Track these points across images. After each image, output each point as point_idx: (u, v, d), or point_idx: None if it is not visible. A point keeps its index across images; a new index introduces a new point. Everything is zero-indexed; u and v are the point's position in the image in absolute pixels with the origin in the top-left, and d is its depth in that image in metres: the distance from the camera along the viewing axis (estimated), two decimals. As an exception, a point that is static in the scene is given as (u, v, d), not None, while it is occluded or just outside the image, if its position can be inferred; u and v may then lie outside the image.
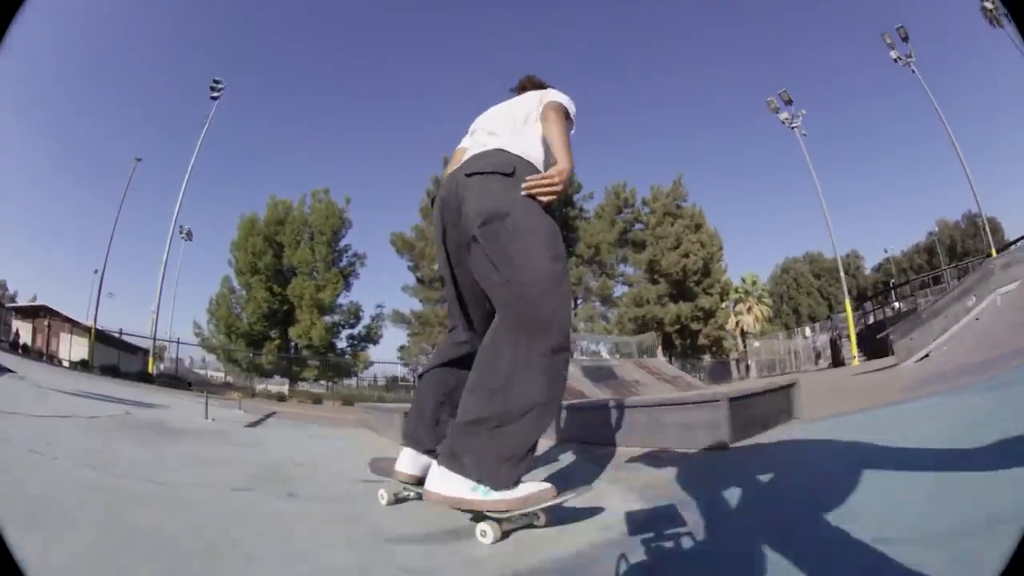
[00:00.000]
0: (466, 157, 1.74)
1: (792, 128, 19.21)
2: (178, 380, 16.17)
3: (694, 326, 21.55)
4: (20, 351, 18.61)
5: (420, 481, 1.62)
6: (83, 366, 15.52)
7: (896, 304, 19.48)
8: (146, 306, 35.19)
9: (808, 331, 27.20)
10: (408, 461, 1.74)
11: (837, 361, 17.61)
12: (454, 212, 1.63)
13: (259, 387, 18.76)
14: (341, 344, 20.67)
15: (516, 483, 1.39)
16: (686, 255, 21.09)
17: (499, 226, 1.50)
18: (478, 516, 1.42)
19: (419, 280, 21.40)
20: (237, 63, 56.40)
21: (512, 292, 1.47)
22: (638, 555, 1.21)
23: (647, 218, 21.85)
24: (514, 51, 62.98)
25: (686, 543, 1.24)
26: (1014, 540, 0.72)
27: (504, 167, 1.59)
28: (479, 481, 1.37)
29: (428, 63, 67.58)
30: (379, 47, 68.12)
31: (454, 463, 1.41)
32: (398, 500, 1.75)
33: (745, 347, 25.83)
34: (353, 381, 21.18)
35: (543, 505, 1.39)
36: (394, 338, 75.87)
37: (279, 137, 59.65)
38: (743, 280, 28.32)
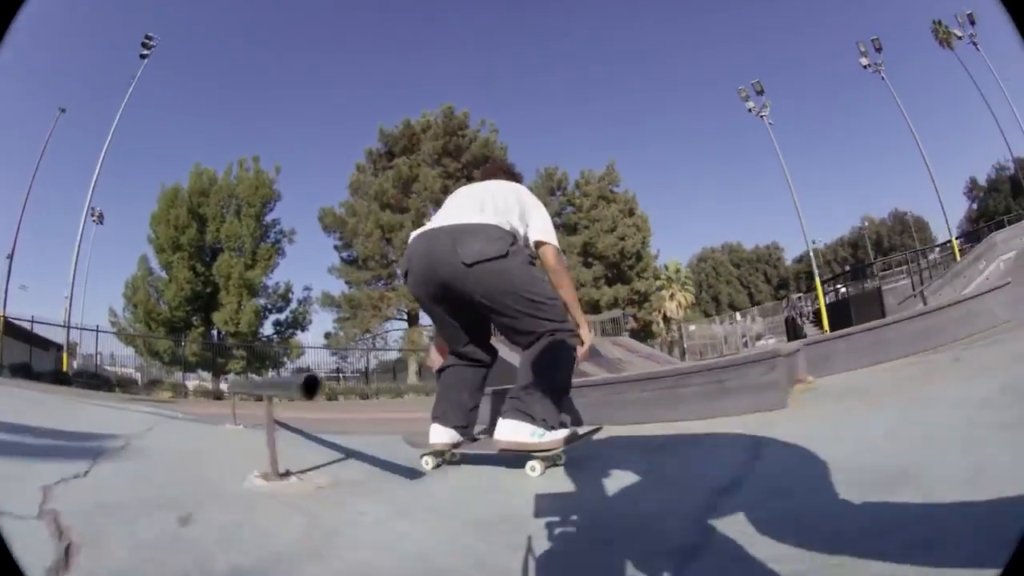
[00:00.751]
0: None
1: (760, 117, 20.43)
2: (99, 380, 14.63)
3: (629, 310, 22.26)
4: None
5: (453, 446, 2.22)
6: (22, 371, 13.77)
7: (843, 288, 20.94)
8: (55, 295, 32.11)
9: (738, 316, 29.08)
10: (441, 433, 2.22)
11: (797, 338, 18.67)
12: (459, 294, 2.06)
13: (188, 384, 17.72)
14: (266, 331, 19.70)
15: (560, 427, 2.00)
16: (622, 238, 21.77)
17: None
18: (527, 456, 1.93)
19: (347, 260, 20.75)
20: (155, 13, 49.34)
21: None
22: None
23: (580, 201, 22.38)
24: (458, 20, 62.33)
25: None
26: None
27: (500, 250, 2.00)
28: (540, 425, 1.93)
29: (366, 24, 64.95)
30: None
31: (522, 414, 1.95)
32: (439, 463, 2.23)
33: (680, 331, 26.95)
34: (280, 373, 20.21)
35: (576, 443, 2.02)
36: (320, 324, 72.39)
37: (202, 101, 55.19)
38: (666, 267, 29.51)
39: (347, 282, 20.39)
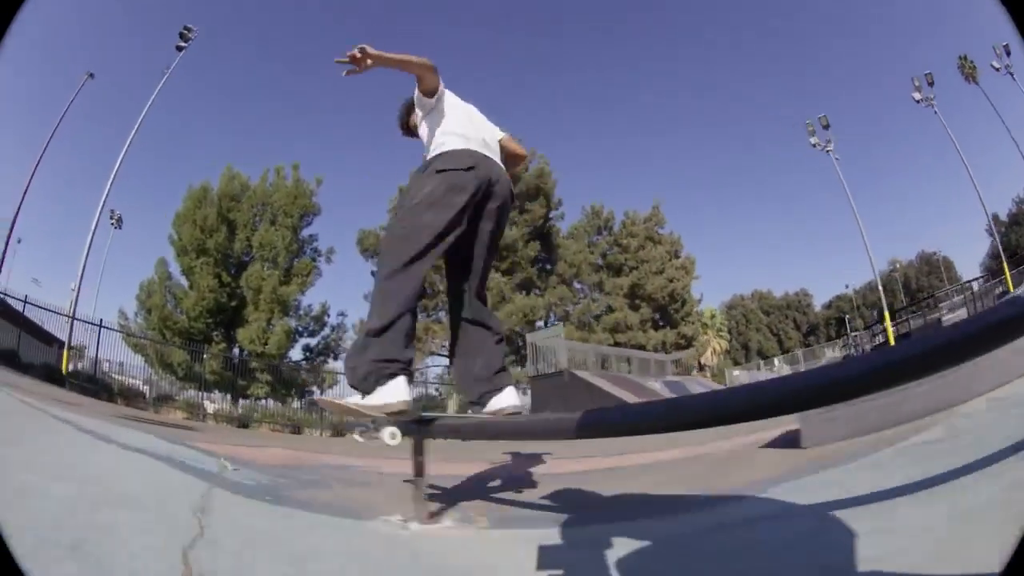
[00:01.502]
0: (488, 154, 2.21)
1: (826, 152, 20.26)
2: (98, 385, 12.88)
3: (674, 354, 21.37)
4: None
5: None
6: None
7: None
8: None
9: (777, 362, 29.04)
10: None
11: None
12: (501, 196, 2.17)
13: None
14: (294, 356, 17.95)
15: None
16: (671, 280, 20.93)
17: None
18: None
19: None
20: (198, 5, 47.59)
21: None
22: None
23: (627, 241, 21.51)
24: (509, 47, 61.51)
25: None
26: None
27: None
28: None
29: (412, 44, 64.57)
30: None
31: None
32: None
33: (723, 376, 26.36)
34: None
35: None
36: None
37: (237, 105, 53.17)
38: (702, 313, 28.98)
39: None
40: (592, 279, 20.56)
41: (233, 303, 17.40)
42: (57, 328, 14.19)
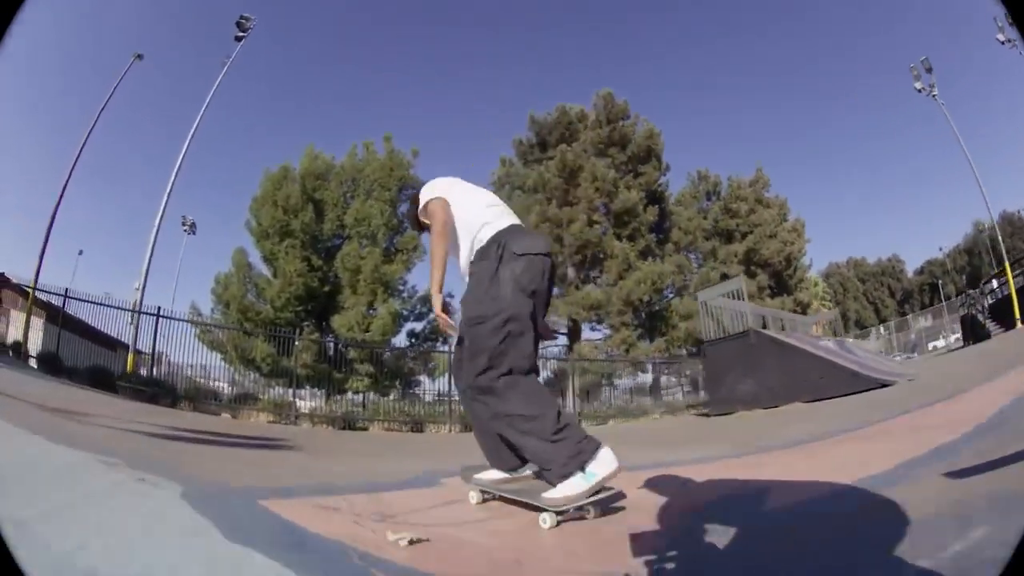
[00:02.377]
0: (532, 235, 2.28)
1: (931, 96, 18.99)
2: (162, 388, 10.40)
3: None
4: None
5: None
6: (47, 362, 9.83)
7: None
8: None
9: (882, 330, 27.69)
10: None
11: (977, 337, 16.07)
12: (549, 283, 2.17)
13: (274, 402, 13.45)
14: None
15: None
16: (785, 243, 19.15)
17: None
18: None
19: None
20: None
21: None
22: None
23: (737, 206, 19.74)
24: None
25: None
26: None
27: None
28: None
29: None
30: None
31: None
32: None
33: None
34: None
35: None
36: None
37: (311, 84, 49.61)
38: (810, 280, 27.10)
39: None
40: (705, 247, 18.70)
41: (325, 288, 15.10)
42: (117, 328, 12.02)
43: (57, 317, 11.44)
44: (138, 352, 12.81)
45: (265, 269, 15.50)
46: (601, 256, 15.93)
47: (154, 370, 11.69)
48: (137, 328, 12.46)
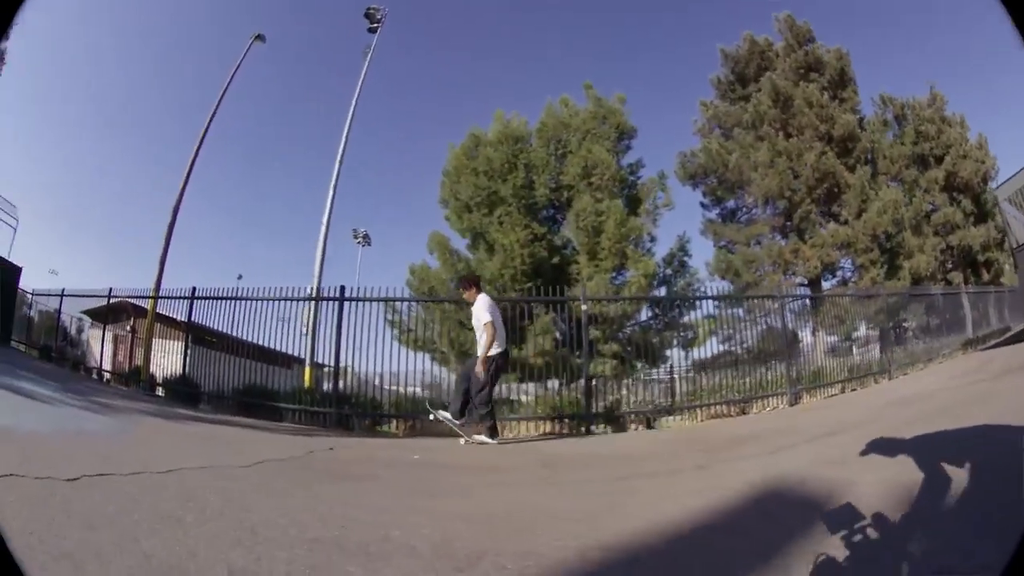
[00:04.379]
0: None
1: None
2: (341, 406, 8.06)
3: (991, 255, 17.81)
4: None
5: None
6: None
7: None
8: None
9: None
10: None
11: None
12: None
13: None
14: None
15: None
16: (979, 161, 17.55)
17: None
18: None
19: (725, 215, 14.99)
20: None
21: None
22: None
23: (926, 128, 18.11)
24: None
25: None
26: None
27: None
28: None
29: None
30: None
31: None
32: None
33: None
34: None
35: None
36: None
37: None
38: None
39: (724, 244, 14.70)
40: (908, 175, 16.97)
41: (554, 260, 12.85)
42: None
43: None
44: (318, 365, 10.57)
45: (468, 253, 13.33)
46: (836, 190, 14.07)
47: (342, 383, 8.66)
48: (313, 341, 9.89)
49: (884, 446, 2.17)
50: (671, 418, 7.97)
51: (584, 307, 8.88)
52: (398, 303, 10.09)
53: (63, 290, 12.57)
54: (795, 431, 4.69)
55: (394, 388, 9.05)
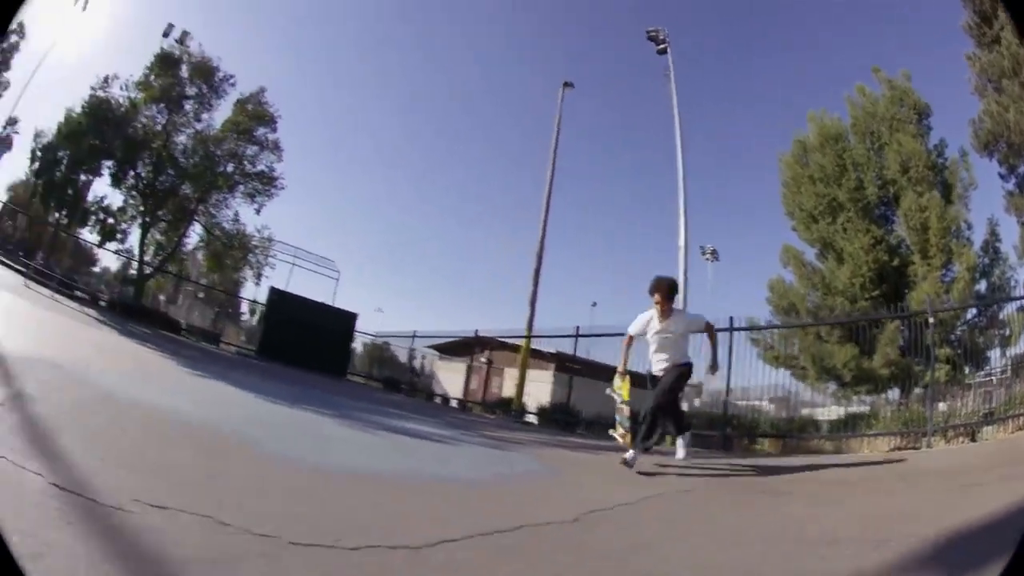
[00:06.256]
0: None
1: None
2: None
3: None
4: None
5: None
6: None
7: None
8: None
9: None
10: None
11: None
12: None
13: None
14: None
15: None
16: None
17: None
18: None
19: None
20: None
21: None
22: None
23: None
24: None
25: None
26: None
27: None
28: None
29: None
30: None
31: None
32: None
33: None
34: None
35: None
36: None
37: None
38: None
39: None
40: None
41: (894, 262, 13.43)
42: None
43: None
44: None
45: (818, 263, 13.53)
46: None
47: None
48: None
49: None
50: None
51: (931, 320, 8.36)
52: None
53: (414, 332, 14.00)
54: None
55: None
